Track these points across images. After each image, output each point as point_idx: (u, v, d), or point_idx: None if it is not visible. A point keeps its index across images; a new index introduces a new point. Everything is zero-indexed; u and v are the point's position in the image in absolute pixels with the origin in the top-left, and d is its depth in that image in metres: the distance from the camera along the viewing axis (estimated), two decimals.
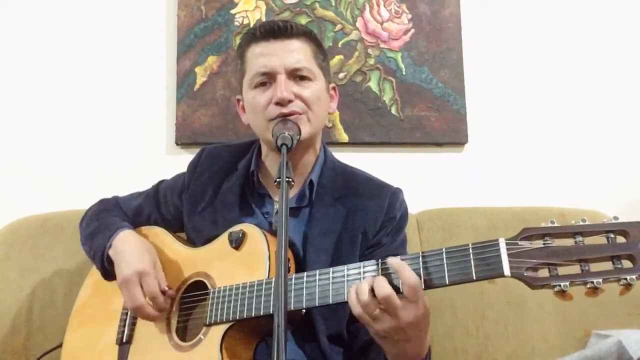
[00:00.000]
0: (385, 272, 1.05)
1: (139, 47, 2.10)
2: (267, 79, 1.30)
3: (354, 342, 1.31)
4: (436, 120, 2.06)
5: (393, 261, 1.03)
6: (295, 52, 1.30)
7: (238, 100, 1.42)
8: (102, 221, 1.43)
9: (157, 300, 1.26)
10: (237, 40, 2.06)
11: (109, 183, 1.97)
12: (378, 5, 2.11)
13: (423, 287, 1.02)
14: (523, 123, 2.11)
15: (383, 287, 1.01)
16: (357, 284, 1.05)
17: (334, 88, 1.44)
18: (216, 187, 1.42)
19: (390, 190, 1.40)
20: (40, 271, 1.73)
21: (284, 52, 1.30)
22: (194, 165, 1.50)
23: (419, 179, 2.02)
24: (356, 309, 1.03)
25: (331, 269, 1.12)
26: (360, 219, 1.33)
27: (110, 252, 1.33)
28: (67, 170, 2.02)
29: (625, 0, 2.18)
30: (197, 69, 2.06)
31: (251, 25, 2.07)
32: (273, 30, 1.31)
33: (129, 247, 1.32)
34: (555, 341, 1.68)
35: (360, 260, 1.29)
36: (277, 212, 1.34)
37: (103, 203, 1.55)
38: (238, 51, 1.39)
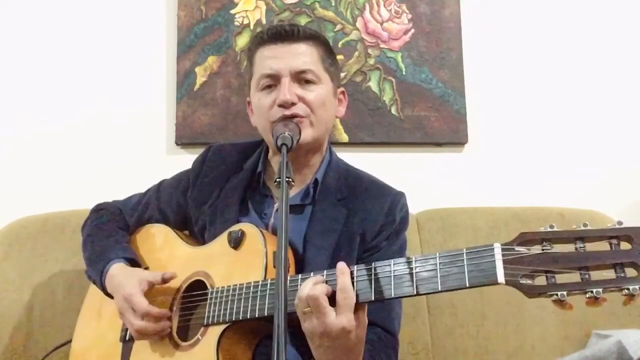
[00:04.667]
0: (375, 278, 1.02)
1: (139, 47, 2.10)
2: (272, 81, 1.31)
3: None
4: (436, 120, 2.06)
5: (340, 265, 1.02)
6: (301, 56, 1.31)
7: (248, 103, 1.43)
8: (99, 245, 1.42)
9: (151, 314, 1.25)
10: (237, 40, 2.07)
11: (109, 183, 1.98)
12: (378, 5, 2.11)
13: (414, 293, 0.99)
14: (523, 123, 2.11)
15: (312, 288, 1.00)
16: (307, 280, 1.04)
17: (342, 92, 1.44)
18: (221, 186, 1.42)
19: (392, 193, 1.39)
20: (40, 271, 1.73)
21: (290, 55, 1.30)
22: (200, 163, 1.48)
23: (419, 179, 2.02)
24: (296, 301, 1.03)
25: (325, 271, 1.09)
26: (360, 220, 1.32)
27: (106, 284, 1.35)
28: (67, 170, 2.02)
29: (625, 0, 2.19)
30: (197, 69, 2.06)
31: (251, 25, 2.08)
32: (280, 34, 1.32)
33: (117, 280, 1.32)
34: (555, 341, 1.68)
35: (357, 264, 1.28)
36: (277, 210, 1.34)
37: (102, 212, 1.52)
38: (247, 54, 1.40)
